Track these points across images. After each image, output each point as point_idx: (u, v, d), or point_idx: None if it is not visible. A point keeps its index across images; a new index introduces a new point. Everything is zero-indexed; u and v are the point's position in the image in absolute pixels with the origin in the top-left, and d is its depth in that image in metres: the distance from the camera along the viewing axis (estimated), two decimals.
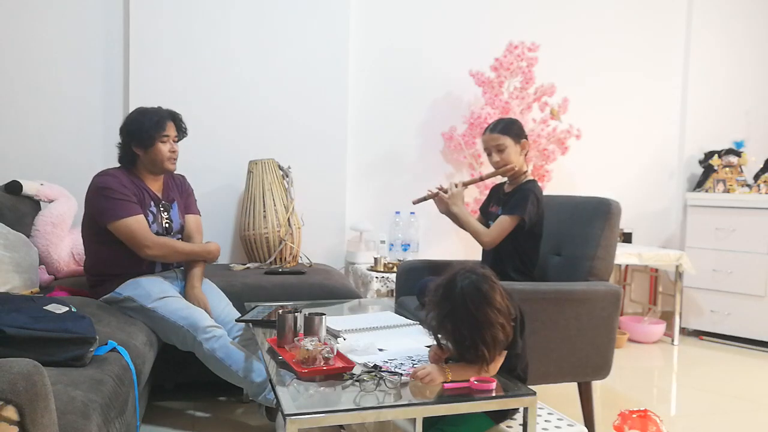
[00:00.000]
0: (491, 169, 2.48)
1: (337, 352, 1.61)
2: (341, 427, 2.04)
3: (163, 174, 2.45)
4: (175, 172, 2.51)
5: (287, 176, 3.36)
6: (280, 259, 3.24)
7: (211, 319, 2.22)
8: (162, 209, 2.40)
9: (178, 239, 2.46)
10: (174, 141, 2.38)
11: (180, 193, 2.54)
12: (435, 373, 1.46)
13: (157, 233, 2.34)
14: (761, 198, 3.80)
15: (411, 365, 1.57)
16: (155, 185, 2.42)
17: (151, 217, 2.34)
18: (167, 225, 2.41)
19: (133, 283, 2.28)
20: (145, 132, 2.30)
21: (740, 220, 3.82)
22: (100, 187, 2.25)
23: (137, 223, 2.24)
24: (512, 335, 1.50)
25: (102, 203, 2.23)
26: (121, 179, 2.29)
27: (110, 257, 2.30)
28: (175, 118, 2.40)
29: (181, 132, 2.43)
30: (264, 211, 3.21)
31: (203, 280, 2.46)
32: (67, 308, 1.71)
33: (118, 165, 2.40)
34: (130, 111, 3.23)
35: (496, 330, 1.45)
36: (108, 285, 2.30)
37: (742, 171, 4.16)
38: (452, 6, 3.86)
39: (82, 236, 2.39)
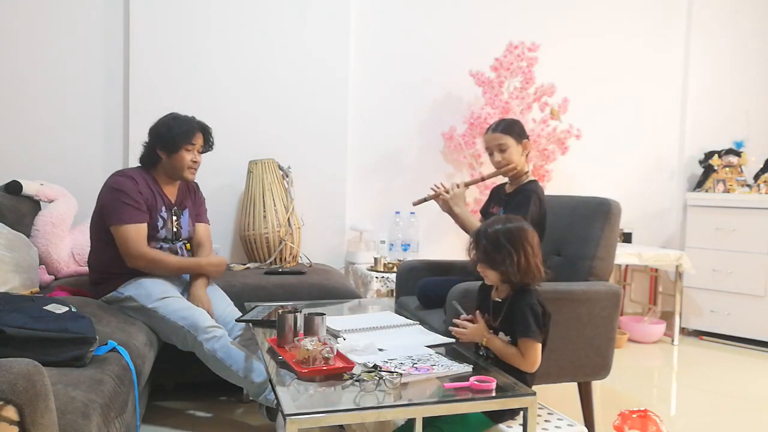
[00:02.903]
0: (491, 169, 2.48)
1: (337, 352, 1.61)
2: (341, 427, 2.05)
3: (181, 181, 2.46)
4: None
5: (287, 176, 3.36)
6: (280, 259, 3.24)
7: (211, 319, 2.22)
8: (173, 215, 2.41)
9: (184, 244, 2.49)
10: (198, 151, 2.40)
11: (193, 201, 2.56)
12: (474, 332, 1.69)
13: (165, 238, 2.35)
14: (761, 198, 3.80)
15: (411, 365, 1.57)
16: (170, 190, 2.43)
17: (161, 222, 2.34)
18: (176, 231, 2.42)
19: (135, 282, 2.28)
20: (172, 138, 2.31)
21: (740, 220, 3.82)
22: (114, 187, 2.26)
23: (135, 233, 2.23)
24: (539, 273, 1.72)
25: (111, 204, 2.24)
26: (137, 182, 2.30)
27: (117, 255, 2.30)
28: (205, 130, 2.42)
29: (208, 145, 2.45)
30: (264, 211, 3.21)
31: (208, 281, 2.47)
32: (67, 308, 1.71)
33: (134, 165, 2.42)
34: (130, 111, 3.28)
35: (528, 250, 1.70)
36: (110, 283, 2.30)
37: (742, 171, 4.16)
38: (452, 6, 3.86)
39: (91, 231, 2.39)
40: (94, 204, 3.23)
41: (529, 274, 1.70)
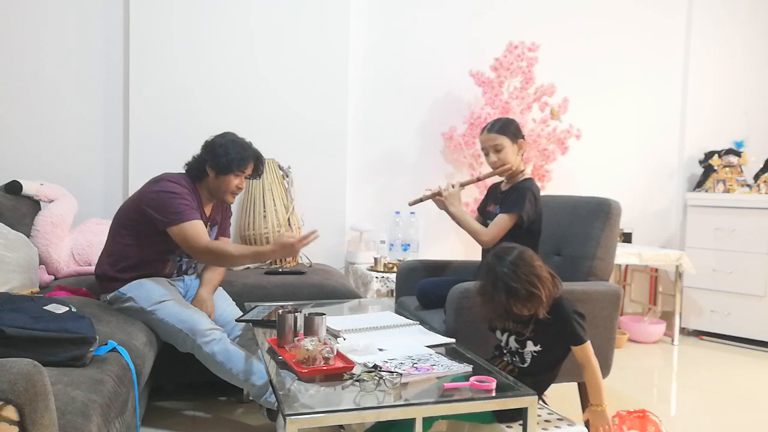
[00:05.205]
0: (491, 169, 2.48)
1: (337, 352, 1.61)
2: (341, 427, 2.05)
3: (219, 201, 2.46)
4: None
5: (287, 176, 3.36)
6: (280, 259, 3.24)
7: (210, 321, 2.22)
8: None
9: None
10: (245, 178, 2.41)
11: (223, 217, 2.57)
12: (602, 422, 1.74)
13: None
14: (761, 198, 3.80)
15: (411, 365, 1.57)
16: (207, 206, 2.44)
17: None
18: None
19: (137, 284, 2.28)
20: (227, 161, 2.30)
21: (740, 220, 3.82)
22: (168, 191, 2.23)
23: (199, 228, 2.22)
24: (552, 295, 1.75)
25: (168, 205, 2.21)
26: (188, 189, 2.30)
27: (133, 257, 2.29)
28: (258, 160, 2.44)
29: (257, 173, 2.46)
30: (264, 211, 3.21)
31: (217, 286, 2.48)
32: (67, 308, 1.71)
33: (175, 171, 2.41)
34: (131, 111, 3.28)
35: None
36: (118, 283, 2.30)
37: (742, 171, 4.15)
38: (452, 6, 3.86)
39: (116, 227, 2.35)
40: (95, 204, 3.26)
41: (552, 293, 1.75)
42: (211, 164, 2.33)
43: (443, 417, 1.63)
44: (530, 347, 1.78)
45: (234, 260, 2.27)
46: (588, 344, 1.77)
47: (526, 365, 1.79)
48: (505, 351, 1.85)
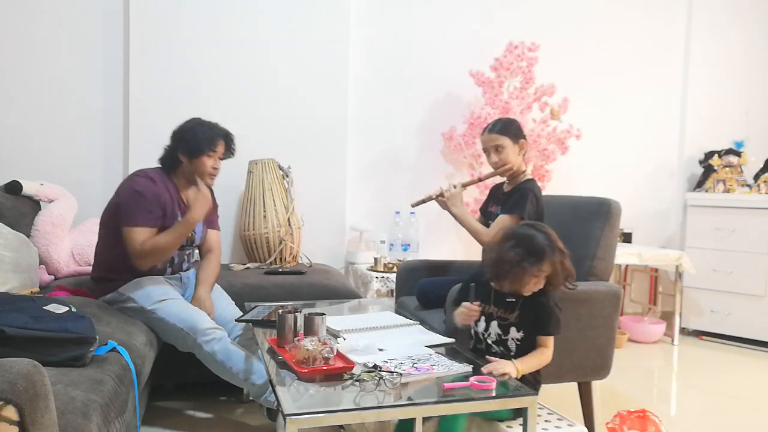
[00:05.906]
0: (491, 169, 2.49)
1: (337, 352, 1.61)
2: (341, 426, 2.05)
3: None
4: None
5: (287, 176, 3.36)
6: (280, 259, 3.24)
7: (210, 320, 2.22)
8: None
9: (193, 250, 2.50)
10: (219, 158, 2.39)
11: (209, 210, 2.54)
12: (509, 368, 1.60)
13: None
14: (761, 198, 3.80)
15: (411, 365, 1.57)
16: (187, 195, 2.42)
17: None
18: (190, 237, 2.41)
19: (135, 283, 2.27)
20: (196, 143, 2.30)
21: (740, 220, 3.82)
22: (135, 189, 2.23)
23: (144, 235, 2.20)
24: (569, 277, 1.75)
25: (128, 204, 2.21)
26: (157, 185, 2.28)
27: (124, 254, 2.27)
28: (228, 138, 2.42)
29: (229, 152, 2.44)
30: (264, 211, 3.21)
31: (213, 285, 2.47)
32: (67, 308, 1.71)
33: (154, 165, 2.40)
34: (130, 111, 3.28)
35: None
36: (113, 283, 2.29)
37: (742, 171, 4.16)
38: (452, 6, 3.86)
39: (101, 227, 2.36)
40: (95, 204, 3.26)
41: (571, 275, 1.75)
42: (183, 150, 2.33)
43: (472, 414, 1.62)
44: (513, 333, 1.75)
45: (171, 244, 2.20)
46: (553, 339, 1.75)
47: (512, 354, 1.75)
48: (487, 342, 1.81)
